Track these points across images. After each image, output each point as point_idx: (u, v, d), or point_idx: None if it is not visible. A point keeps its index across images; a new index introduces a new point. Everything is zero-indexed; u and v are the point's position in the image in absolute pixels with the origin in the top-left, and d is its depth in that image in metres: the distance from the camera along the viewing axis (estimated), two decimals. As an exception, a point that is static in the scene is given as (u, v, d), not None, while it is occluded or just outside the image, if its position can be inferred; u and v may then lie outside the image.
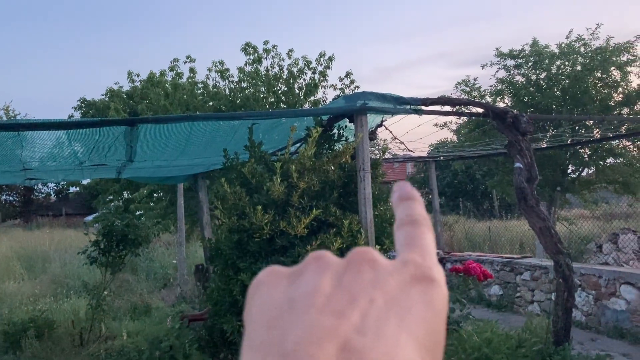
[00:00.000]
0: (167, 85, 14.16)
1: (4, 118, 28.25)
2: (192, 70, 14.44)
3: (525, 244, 12.60)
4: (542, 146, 11.37)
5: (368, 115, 4.26)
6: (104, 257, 7.03)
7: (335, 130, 4.60)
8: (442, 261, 10.88)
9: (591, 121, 12.32)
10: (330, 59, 14.26)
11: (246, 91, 13.85)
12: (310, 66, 14.24)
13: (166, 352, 4.66)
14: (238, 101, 13.51)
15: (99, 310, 6.88)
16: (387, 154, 14.62)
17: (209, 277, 6.86)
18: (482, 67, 14.40)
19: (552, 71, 13.06)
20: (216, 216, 4.21)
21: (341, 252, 3.67)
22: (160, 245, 14.50)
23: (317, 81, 14.20)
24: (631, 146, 12.66)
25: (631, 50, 12.38)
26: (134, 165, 5.74)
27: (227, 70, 14.19)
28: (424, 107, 4.46)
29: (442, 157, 13.78)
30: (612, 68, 12.37)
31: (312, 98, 14.22)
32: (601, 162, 13.20)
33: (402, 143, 6.42)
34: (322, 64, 14.23)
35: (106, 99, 18.75)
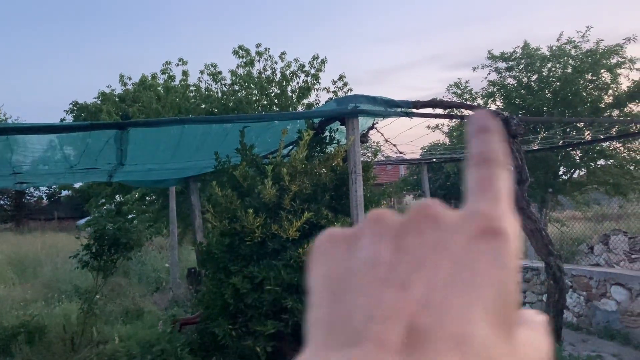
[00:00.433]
0: (159, 88, 14.12)
1: (-5, 121, 28.06)
2: (184, 73, 14.41)
3: (517, 245, 12.62)
4: (534, 148, 11.43)
5: (359, 118, 4.26)
6: (95, 261, 6.98)
7: (327, 133, 4.61)
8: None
9: (582, 123, 12.41)
10: (323, 61, 14.27)
11: (239, 94, 13.84)
12: (303, 69, 14.25)
13: (158, 356, 4.64)
14: (231, 104, 13.50)
15: (91, 315, 6.83)
16: (379, 156, 14.66)
17: (201, 280, 6.85)
18: (474, 69, 14.47)
19: (543, 73, 13.14)
20: (208, 219, 4.21)
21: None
22: (153, 248, 14.45)
23: (309, 84, 14.20)
24: (621, 148, 12.75)
25: (621, 53, 12.48)
26: (125, 169, 5.71)
27: (220, 73, 14.18)
28: (414, 110, 4.47)
29: (434, 160, 13.82)
30: (602, 70, 12.47)
31: (305, 101, 14.23)
32: (592, 164, 13.29)
33: (394, 145, 6.43)
34: (314, 67, 14.24)
35: (98, 102, 18.67)
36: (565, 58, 12.93)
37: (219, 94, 14.19)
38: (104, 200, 16.03)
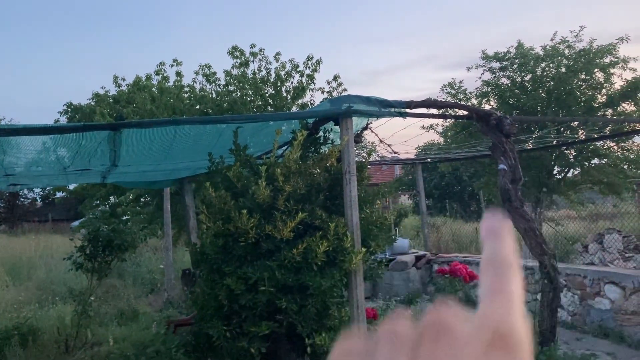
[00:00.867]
0: (153, 89, 14.09)
1: (-12, 123, 27.93)
2: (178, 74, 14.38)
3: (512, 245, 12.65)
4: (528, 147, 11.47)
5: (354, 118, 4.27)
6: (89, 263, 6.96)
7: (321, 133, 4.60)
8: (429, 262, 10.92)
9: (576, 122, 12.44)
10: (318, 62, 14.27)
11: (233, 94, 13.82)
12: (298, 69, 14.25)
13: (152, 358, 4.63)
14: (225, 105, 13.48)
15: (85, 317, 6.81)
16: (374, 156, 14.67)
17: (195, 281, 6.83)
18: (468, 69, 14.49)
19: (537, 73, 13.17)
20: (202, 220, 4.20)
21: (327, 255, 3.66)
22: (148, 250, 14.41)
23: (304, 84, 14.20)
24: (615, 147, 12.80)
25: (614, 52, 12.53)
26: (119, 170, 5.70)
27: (214, 73, 14.16)
28: (408, 110, 4.48)
29: (429, 160, 13.85)
30: (596, 70, 12.50)
31: (299, 101, 14.22)
32: (586, 163, 13.33)
33: (389, 146, 6.44)
34: (309, 67, 14.24)
35: (92, 103, 18.61)
36: (559, 58, 12.96)
37: (214, 95, 14.17)
38: (98, 202, 15.97)
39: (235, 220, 3.82)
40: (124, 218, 13.20)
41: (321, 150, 4.55)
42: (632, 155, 12.65)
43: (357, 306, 3.98)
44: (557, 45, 13.25)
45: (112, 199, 15.73)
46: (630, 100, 12.51)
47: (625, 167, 12.99)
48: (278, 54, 14.23)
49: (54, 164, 5.04)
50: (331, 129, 4.66)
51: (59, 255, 11.74)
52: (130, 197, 14.44)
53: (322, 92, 14.60)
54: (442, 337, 0.32)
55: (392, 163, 15.14)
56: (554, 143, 11.88)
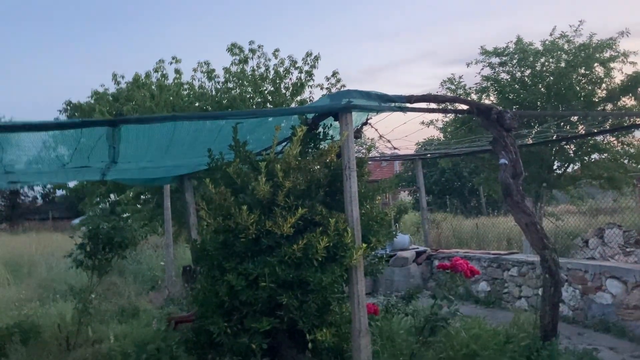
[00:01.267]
0: (152, 87, 14.06)
1: (-12, 121, 27.90)
2: (177, 71, 14.36)
3: (512, 240, 12.68)
4: (528, 142, 11.44)
5: (353, 113, 4.24)
6: (90, 261, 6.96)
7: (321, 129, 4.59)
8: (429, 258, 10.92)
9: (576, 117, 12.43)
10: (317, 58, 14.25)
11: (232, 91, 13.79)
12: (297, 66, 14.22)
13: (153, 355, 4.62)
14: (224, 102, 13.46)
15: (86, 314, 6.80)
16: (374, 152, 14.64)
17: (196, 278, 6.83)
18: (467, 65, 14.45)
19: (537, 68, 13.15)
20: (202, 217, 4.19)
21: (327, 251, 3.64)
22: (148, 247, 14.41)
23: (303, 81, 14.18)
24: (615, 141, 12.78)
25: (614, 47, 12.50)
26: (118, 167, 5.68)
27: (213, 70, 14.13)
28: (408, 105, 4.46)
29: (429, 155, 13.83)
30: (596, 64, 12.47)
31: (298, 98, 14.21)
32: (586, 158, 13.31)
33: (389, 141, 6.42)
34: (308, 64, 14.22)
35: (92, 101, 18.58)
36: (559, 52, 12.93)
37: (213, 92, 14.15)
38: (98, 200, 15.97)
39: (236, 217, 3.80)
40: (125, 216, 13.19)
41: (321, 146, 4.53)
42: (632, 150, 12.63)
43: (357, 302, 3.97)
44: (557, 40, 13.22)
45: (112, 196, 15.72)
46: (630, 94, 12.49)
47: (626, 161, 12.97)
48: (277, 50, 14.22)
49: (53, 161, 5.03)
50: (331, 125, 4.64)
51: (59, 253, 11.75)
52: (131, 195, 14.43)
53: (321, 88, 14.58)
54: None
55: (392, 159, 15.12)
56: (554, 138, 11.86)
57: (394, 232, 4.64)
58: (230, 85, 14.04)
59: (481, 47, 13.95)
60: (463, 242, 13.63)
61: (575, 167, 13.93)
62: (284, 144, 4.91)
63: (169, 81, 14.26)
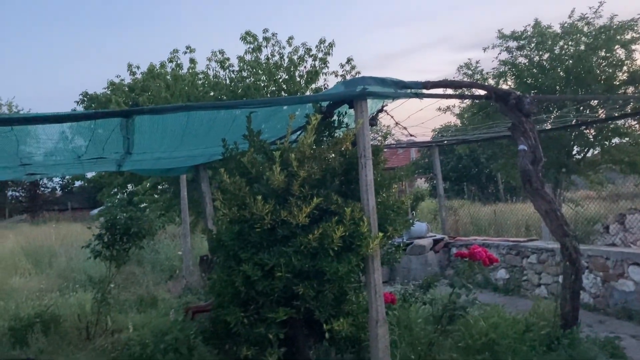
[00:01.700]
0: (167, 77, 14.08)
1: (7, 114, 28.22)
2: (192, 60, 14.35)
3: (531, 227, 12.52)
4: (547, 127, 11.26)
5: (368, 100, 4.18)
6: (108, 251, 7.01)
7: (336, 117, 4.53)
8: (447, 246, 10.83)
9: (596, 101, 12.19)
10: (331, 45, 14.13)
11: (247, 80, 13.75)
12: (311, 53, 14.12)
13: (170, 345, 4.64)
14: (239, 91, 13.43)
15: (105, 304, 6.87)
16: (389, 139, 14.53)
17: (213, 268, 6.84)
18: (484, 49, 14.25)
19: (555, 52, 12.91)
20: (218, 207, 4.17)
21: (343, 240, 3.60)
22: (166, 237, 14.50)
23: (317, 68, 14.08)
24: (637, 125, 12.53)
25: (635, 28, 12.21)
26: (134, 158, 5.69)
27: (227, 59, 14.09)
28: (425, 91, 4.38)
29: (445, 142, 13.68)
30: (617, 46, 12.21)
31: (313, 86, 14.12)
32: (606, 142, 13.08)
33: (405, 128, 6.34)
34: (322, 51, 14.11)
35: (108, 92, 18.68)
36: (578, 35, 12.68)
37: (227, 81, 14.12)
38: (116, 190, 16.11)
39: (251, 206, 3.78)
40: (142, 206, 13.28)
41: (336, 135, 4.47)
42: (654, 134, 12.38)
43: (375, 291, 3.93)
44: (576, 22, 12.96)
45: (129, 187, 15.84)
46: (652, 77, 12.22)
47: (647, 145, 12.72)
48: (291, 38, 14.14)
49: (69, 153, 5.05)
50: (345, 112, 4.58)
51: (78, 243, 11.86)
52: (147, 185, 14.52)
53: (336, 75, 14.49)
54: None
55: (408, 146, 15.00)
56: (574, 122, 11.65)
57: (411, 221, 4.58)
58: (244, 74, 14.00)
59: (498, 31, 13.74)
60: (481, 229, 13.50)
61: (595, 152, 13.71)
62: (298, 132, 4.86)
63: (184, 71, 14.26)
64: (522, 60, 13.50)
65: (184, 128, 4.64)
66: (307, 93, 13.84)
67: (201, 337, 4.49)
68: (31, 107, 35.35)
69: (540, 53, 13.17)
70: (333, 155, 4.11)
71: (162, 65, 14.58)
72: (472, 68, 14.19)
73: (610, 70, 12.46)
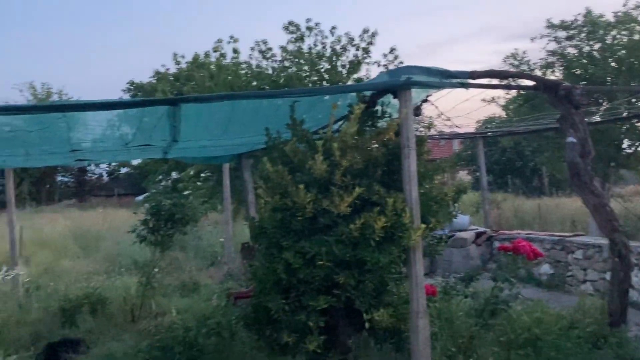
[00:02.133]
0: (211, 67, 14.26)
1: (57, 102, 29.14)
2: (235, 50, 14.49)
3: (577, 222, 12.18)
4: (596, 120, 10.91)
5: (412, 90, 4.13)
6: (152, 236, 7.19)
7: (379, 107, 4.50)
8: (489, 239, 10.66)
9: (649, 93, 11.72)
10: (373, 35, 14.04)
11: (289, 70, 13.81)
12: (354, 43, 14.05)
13: (213, 329, 4.74)
14: (281, 81, 13.50)
15: (149, 288, 7.06)
16: (432, 130, 14.35)
17: (254, 255, 6.93)
18: (532, 39, 13.88)
19: (607, 41, 12.46)
20: (260, 195, 4.22)
21: (385, 231, 3.59)
22: (208, 223, 14.74)
23: (360, 58, 14.01)
24: (693, 118, 12.00)
25: (694, 17, 11.68)
26: (179, 145, 5.80)
27: (270, 49, 14.17)
28: (471, 81, 4.30)
29: (490, 133, 13.44)
30: (673, 36, 11.70)
31: (355, 76, 14.07)
32: (659, 136, 12.59)
33: (449, 119, 6.26)
34: (365, 41, 14.02)
35: (154, 81, 19.07)
36: (632, 24, 12.20)
37: (270, 71, 14.21)
38: (161, 177, 16.46)
39: (293, 195, 3.81)
40: (186, 193, 13.53)
41: (378, 125, 4.45)
42: None
43: (416, 283, 3.91)
44: (630, 10, 12.47)
45: (173, 174, 16.16)
46: None
47: None
48: (334, 27, 14.09)
49: (117, 140, 5.18)
50: (389, 102, 4.54)
51: (124, 228, 12.20)
52: (191, 173, 14.78)
53: (378, 65, 14.38)
54: None
55: (452, 137, 14.78)
56: (625, 115, 11.24)
57: (454, 213, 4.53)
58: (286, 64, 14.05)
59: (547, 20, 13.35)
60: (524, 223, 13.23)
61: (647, 146, 13.21)
62: (340, 122, 4.85)
63: (227, 61, 14.41)
64: (571, 50, 13.09)
65: (229, 117, 4.70)
66: (349, 83, 13.80)
67: (242, 323, 4.56)
68: (80, 95, 36.40)
69: (591, 43, 12.74)
70: (376, 145, 4.09)
71: (207, 55, 14.77)
72: (518, 58, 13.86)
73: (666, 61, 11.96)
